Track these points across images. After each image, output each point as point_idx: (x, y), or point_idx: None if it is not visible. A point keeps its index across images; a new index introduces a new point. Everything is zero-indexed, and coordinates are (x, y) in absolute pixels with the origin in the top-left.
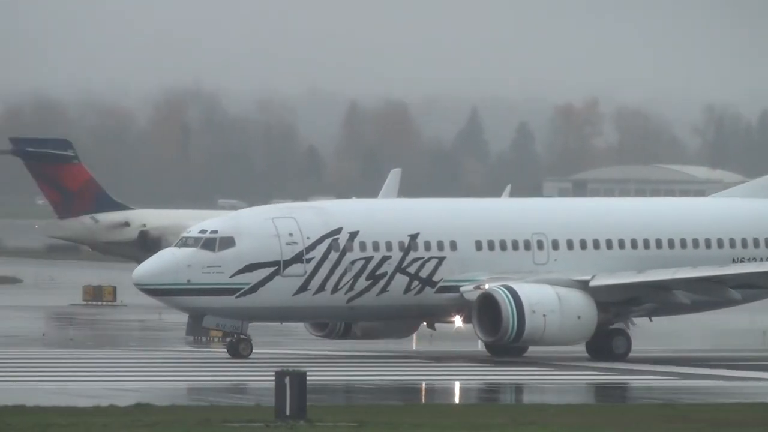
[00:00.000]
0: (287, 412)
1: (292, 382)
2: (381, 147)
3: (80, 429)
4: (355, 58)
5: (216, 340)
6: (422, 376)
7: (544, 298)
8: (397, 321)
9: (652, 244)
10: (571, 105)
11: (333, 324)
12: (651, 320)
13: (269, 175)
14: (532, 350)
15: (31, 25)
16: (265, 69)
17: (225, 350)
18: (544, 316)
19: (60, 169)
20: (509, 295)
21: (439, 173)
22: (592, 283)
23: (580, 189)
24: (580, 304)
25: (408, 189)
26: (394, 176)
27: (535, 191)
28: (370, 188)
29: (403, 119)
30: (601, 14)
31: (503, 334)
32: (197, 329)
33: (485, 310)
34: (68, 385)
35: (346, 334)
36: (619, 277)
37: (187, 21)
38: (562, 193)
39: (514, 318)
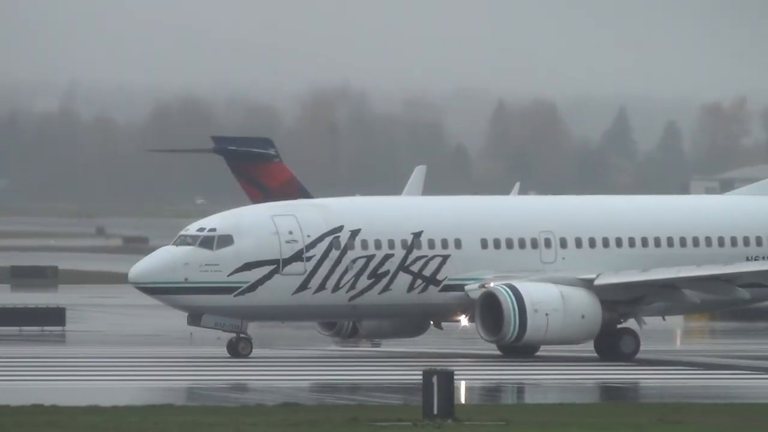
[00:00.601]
0: (435, 411)
1: (440, 380)
2: (528, 146)
3: (229, 429)
4: (502, 57)
5: (366, 340)
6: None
7: (547, 297)
8: (405, 320)
9: (663, 242)
10: (718, 104)
11: (341, 323)
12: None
13: None
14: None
15: (178, 26)
16: (413, 68)
17: (371, 347)
18: (547, 315)
19: (261, 168)
20: (511, 294)
21: (586, 173)
22: (596, 282)
23: (727, 188)
24: (584, 303)
25: (553, 188)
26: (418, 173)
27: (683, 190)
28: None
29: (550, 118)
30: (749, 13)
31: (505, 333)
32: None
33: (488, 310)
34: (209, 383)
35: (354, 333)
36: (623, 276)
37: (334, 21)
38: (709, 192)
39: (516, 317)
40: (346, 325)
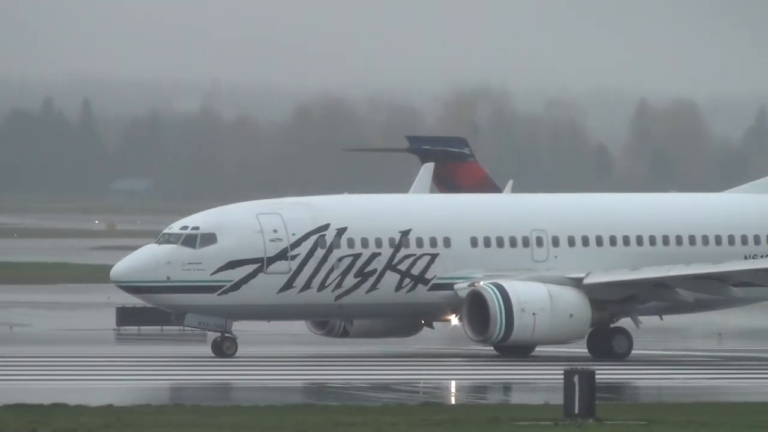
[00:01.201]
0: (576, 411)
1: (581, 380)
2: (670, 145)
3: (370, 428)
4: (642, 57)
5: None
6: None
7: (535, 296)
8: (397, 320)
9: (659, 241)
10: None
11: (332, 323)
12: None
13: (558, 173)
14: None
15: (319, 28)
16: (552, 67)
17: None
18: (534, 314)
19: (456, 167)
20: (498, 293)
21: (727, 172)
22: (586, 281)
23: None
24: (572, 302)
25: (696, 187)
26: (426, 171)
27: None
28: (659, 187)
29: (691, 117)
30: None
31: (491, 333)
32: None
33: (474, 309)
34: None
35: (346, 332)
36: (613, 275)
37: (474, 20)
38: None
39: (502, 317)
40: (337, 324)
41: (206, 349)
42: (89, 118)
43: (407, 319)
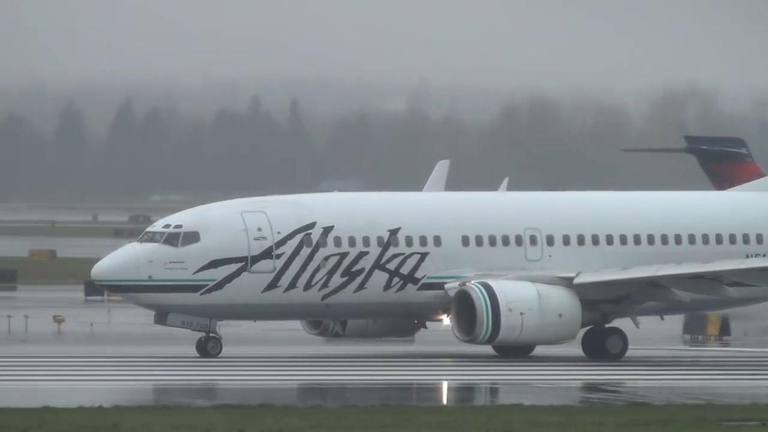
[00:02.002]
0: None
1: None
2: None
3: (571, 429)
4: None
5: (712, 338)
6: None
7: (523, 295)
8: (393, 321)
9: (657, 239)
10: None
11: (326, 322)
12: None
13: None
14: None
15: (521, 28)
16: (760, 67)
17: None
18: (522, 314)
19: (732, 167)
20: (485, 292)
21: None
22: (576, 280)
23: None
24: (561, 302)
25: None
26: (441, 168)
27: None
28: None
29: None
30: None
31: (478, 333)
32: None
33: (462, 309)
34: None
35: (342, 332)
36: (602, 274)
37: (680, 20)
38: None
39: (488, 317)
40: (331, 324)
41: (187, 349)
42: (297, 118)
43: (402, 320)
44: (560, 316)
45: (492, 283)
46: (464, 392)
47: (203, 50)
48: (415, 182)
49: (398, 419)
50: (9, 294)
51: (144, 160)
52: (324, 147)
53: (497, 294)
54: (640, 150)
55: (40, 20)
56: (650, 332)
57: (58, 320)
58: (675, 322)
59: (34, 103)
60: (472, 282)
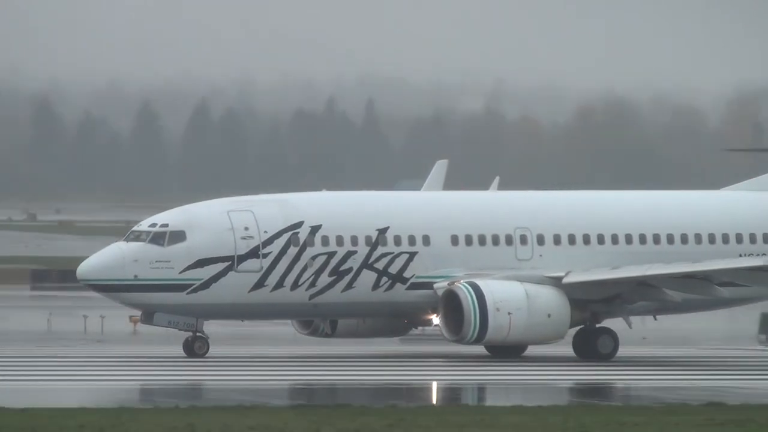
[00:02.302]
0: None
1: None
2: None
3: (654, 428)
4: None
5: None
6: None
7: (511, 295)
8: (381, 320)
9: (649, 239)
10: None
11: (317, 322)
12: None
13: None
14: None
15: (602, 29)
16: None
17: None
18: (509, 314)
19: None
20: (472, 292)
21: None
22: (565, 280)
23: None
24: (550, 301)
25: None
26: (439, 168)
27: None
28: None
29: None
30: None
31: (465, 333)
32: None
33: (450, 308)
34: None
35: (332, 332)
36: (591, 274)
37: (755, 19)
38: None
39: (476, 316)
40: (322, 324)
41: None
42: (373, 118)
43: (392, 320)
44: (549, 316)
45: (480, 282)
46: (539, 392)
47: (279, 50)
48: (490, 183)
49: (475, 419)
50: (84, 294)
51: (220, 160)
52: (400, 147)
53: (485, 294)
54: (745, 150)
55: (117, 21)
56: (722, 332)
57: (133, 321)
58: (751, 322)
59: (110, 104)
60: (460, 282)
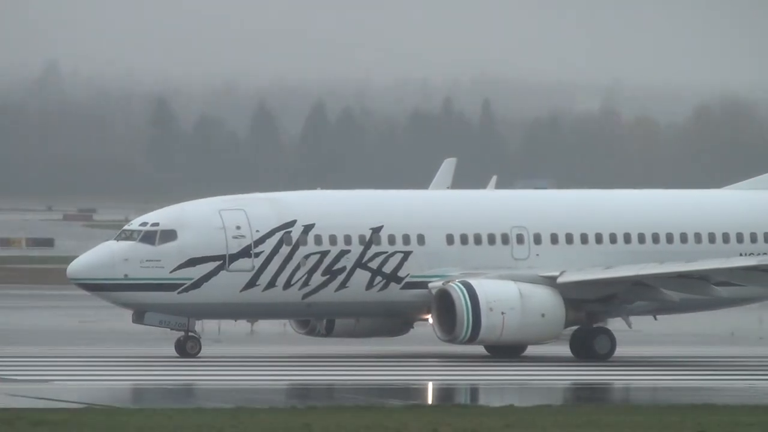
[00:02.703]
0: None
1: None
2: None
3: (727, 428)
4: None
5: None
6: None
7: (504, 294)
8: (382, 320)
9: (648, 238)
10: None
11: (314, 322)
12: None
13: None
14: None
15: (715, 24)
16: None
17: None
18: (503, 314)
19: None
20: (465, 291)
21: None
22: (559, 280)
23: None
24: (544, 301)
25: None
26: (447, 166)
27: None
28: None
29: None
30: None
31: (458, 333)
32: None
33: (443, 308)
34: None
35: (329, 331)
36: (586, 273)
37: None
38: None
39: (469, 316)
40: (320, 323)
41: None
42: (489, 118)
43: (389, 320)
44: (543, 315)
45: (473, 282)
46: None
47: (395, 50)
48: (606, 182)
49: (589, 419)
50: None
51: (338, 161)
52: (516, 147)
53: (478, 293)
54: None
55: (232, 22)
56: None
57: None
58: (751, 322)
59: (227, 104)
60: (453, 281)
